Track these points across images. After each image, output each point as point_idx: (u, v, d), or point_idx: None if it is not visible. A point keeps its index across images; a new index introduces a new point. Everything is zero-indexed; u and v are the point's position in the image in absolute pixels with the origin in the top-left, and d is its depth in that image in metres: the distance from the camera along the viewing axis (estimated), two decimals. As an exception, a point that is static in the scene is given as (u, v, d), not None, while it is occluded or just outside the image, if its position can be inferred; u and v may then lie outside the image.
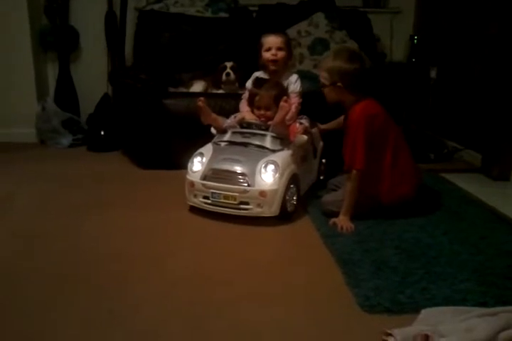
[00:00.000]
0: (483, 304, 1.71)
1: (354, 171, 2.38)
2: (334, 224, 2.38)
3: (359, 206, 2.41)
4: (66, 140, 3.80)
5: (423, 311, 1.66)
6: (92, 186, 2.94)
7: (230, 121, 2.71)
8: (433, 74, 3.88)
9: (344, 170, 2.48)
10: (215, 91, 3.42)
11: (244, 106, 2.82)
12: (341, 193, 2.50)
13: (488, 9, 3.31)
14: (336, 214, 2.42)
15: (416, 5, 4.34)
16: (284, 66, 2.80)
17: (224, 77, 3.37)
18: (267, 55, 2.75)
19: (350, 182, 2.39)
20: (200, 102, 2.60)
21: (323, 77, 2.46)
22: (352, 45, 3.77)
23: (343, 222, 2.38)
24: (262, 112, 2.65)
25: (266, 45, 2.75)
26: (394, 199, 2.45)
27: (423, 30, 4.21)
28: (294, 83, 2.78)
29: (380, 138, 2.40)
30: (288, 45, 2.79)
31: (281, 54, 2.73)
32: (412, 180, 2.50)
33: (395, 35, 4.33)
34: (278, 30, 2.95)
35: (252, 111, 2.71)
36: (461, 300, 1.75)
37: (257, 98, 2.65)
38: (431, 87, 3.88)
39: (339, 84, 2.40)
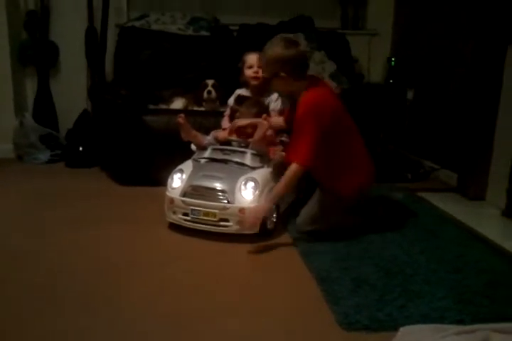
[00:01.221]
0: (461, 321, 1.73)
1: (296, 165, 2.27)
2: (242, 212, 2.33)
3: (329, 207, 2.41)
4: (44, 156, 3.76)
5: (401, 329, 1.66)
6: (70, 203, 2.90)
7: (210, 138, 2.72)
8: (410, 95, 3.96)
9: (285, 163, 2.40)
10: (196, 108, 3.44)
11: (226, 123, 2.83)
12: (309, 207, 2.48)
13: (464, 32, 3.40)
14: (314, 232, 2.43)
15: (393, 27, 4.45)
16: (265, 84, 2.83)
17: (205, 94, 3.38)
18: (248, 72, 2.79)
19: (290, 177, 2.28)
20: (181, 119, 2.60)
21: (264, 70, 2.43)
22: (331, 65, 3.85)
23: (255, 212, 2.32)
24: (242, 129, 2.66)
25: (248, 63, 2.80)
26: (353, 191, 2.42)
27: (400, 52, 4.31)
28: (274, 101, 2.82)
29: (334, 129, 2.31)
30: None
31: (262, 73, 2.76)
32: (368, 168, 2.50)
33: (373, 56, 4.42)
34: (259, 49, 2.98)
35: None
36: (438, 317, 1.76)
37: (237, 115, 2.67)
38: (408, 108, 3.96)
39: (282, 74, 2.34)
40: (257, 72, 2.78)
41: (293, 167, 2.28)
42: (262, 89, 2.83)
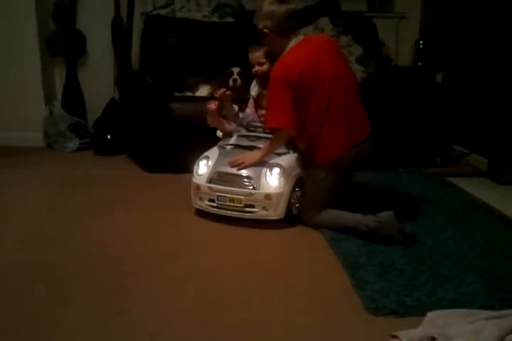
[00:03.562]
0: (490, 307, 1.71)
1: (281, 130, 2.35)
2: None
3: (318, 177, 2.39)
4: (73, 144, 3.82)
5: (429, 314, 1.65)
6: (99, 189, 2.95)
7: (234, 126, 2.73)
8: (439, 78, 3.88)
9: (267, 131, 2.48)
10: (221, 95, 3.43)
11: (248, 110, 2.82)
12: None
13: (494, 13, 3.31)
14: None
15: (421, 10, 4.34)
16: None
17: (231, 82, 3.36)
18: (253, 71, 2.77)
19: (278, 141, 2.40)
20: (213, 105, 2.62)
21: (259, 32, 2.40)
22: (358, 49, 3.79)
23: (247, 158, 2.41)
24: (264, 112, 2.65)
25: (250, 61, 2.77)
26: (334, 154, 2.36)
27: (429, 34, 4.22)
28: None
29: (307, 91, 2.28)
30: (270, 55, 2.74)
31: (263, 68, 2.70)
32: (352, 133, 2.39)
33: (401, 39, 4.33)
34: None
35: (256, 111, 2.72)
36: (467, 302, 1.74)
37: (260, 98, 2.67)
38: (436, 92, 3.88)
39: (265, 30, 2.34)
40: (257, 71, 2.76)
41: (281, 132, 2.37)
42: (264, 80, 2.76)
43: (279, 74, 2.29)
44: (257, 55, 2.70)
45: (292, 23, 2.35)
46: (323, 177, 2.38)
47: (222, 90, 2.67)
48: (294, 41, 2.35)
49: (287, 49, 2.35)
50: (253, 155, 2.43)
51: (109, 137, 3.76)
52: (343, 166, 2.40)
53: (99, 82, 4.05)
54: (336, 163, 2.37)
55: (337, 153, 2.36)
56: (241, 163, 2.41)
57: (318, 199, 2.39)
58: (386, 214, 2.21)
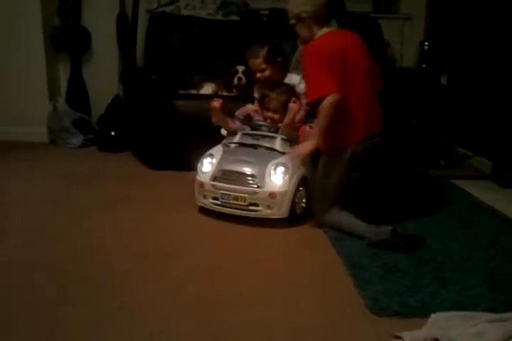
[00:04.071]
0: (494, 310, 1.70)
1: (325, 98, 2.19)
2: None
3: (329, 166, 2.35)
4: (77, 140, 3.82)
5: (433, 315, 1.65)
6: (102, 186, 2.95)
7: (238, 113, 2.74)
8: (443, 80, 3.87)
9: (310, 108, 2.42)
10: (225, 93, 3.43)
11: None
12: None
13: (500, 15, 3.30)
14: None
15: (427, 11, 4.33)
16: (277, 76, 2.77)
17: (236, 81, 3.36)
18: (255, 77, 2.76)
19: (326, 110, 2.19)
20: (217, 103, 2.61)
21: (290, 18, 2.39)
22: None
23: (302, 149, 2.33)
24: (270, 115, 2.64)
25: (251, 67, 2.75)
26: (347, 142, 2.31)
27: (434, 36, 4.21)
28: (298, 84, 2.75)
29: (334, 72, 2.23)
30: (269, 60, 2.71)
31: (264, 74, 2.70)
32: (364, 125, 2.33)
33: (406, 40, 4.31)
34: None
35: (262, 112, 2.71)
36: (471, 305, 1.74)
37: (266, 99, 2.65)
38: (441, 94, 3.87)
39: (304, 14, 2.33)
40: (259, 78, 2.75)
41: (328, 100, 2.19)
42: (270, 82, 2.75)
43: (311, 51, 2.28)
44: (256, 62, 2.70)
45: (328, 11, 2.36)
46: (332, 170, 2.34)
47: (253, 106, 2.71)
48: (323, 31, 2.34)
49: (316, 37, 2.34)
50: (308, 144, 2.31)
51: (113, 133, 3.76)
52: (352, 158, 2.35)
53: (104, 78, 4.05)
54: (345, 154, 2.32)
55: (348, 143, 2.31)
56: (301, 154, 2.34)
57: (327, 194, 2.35)
58: (385, 230, 2.18)
